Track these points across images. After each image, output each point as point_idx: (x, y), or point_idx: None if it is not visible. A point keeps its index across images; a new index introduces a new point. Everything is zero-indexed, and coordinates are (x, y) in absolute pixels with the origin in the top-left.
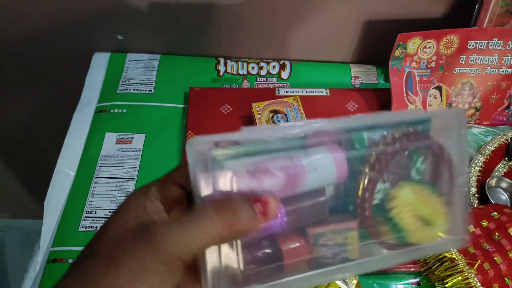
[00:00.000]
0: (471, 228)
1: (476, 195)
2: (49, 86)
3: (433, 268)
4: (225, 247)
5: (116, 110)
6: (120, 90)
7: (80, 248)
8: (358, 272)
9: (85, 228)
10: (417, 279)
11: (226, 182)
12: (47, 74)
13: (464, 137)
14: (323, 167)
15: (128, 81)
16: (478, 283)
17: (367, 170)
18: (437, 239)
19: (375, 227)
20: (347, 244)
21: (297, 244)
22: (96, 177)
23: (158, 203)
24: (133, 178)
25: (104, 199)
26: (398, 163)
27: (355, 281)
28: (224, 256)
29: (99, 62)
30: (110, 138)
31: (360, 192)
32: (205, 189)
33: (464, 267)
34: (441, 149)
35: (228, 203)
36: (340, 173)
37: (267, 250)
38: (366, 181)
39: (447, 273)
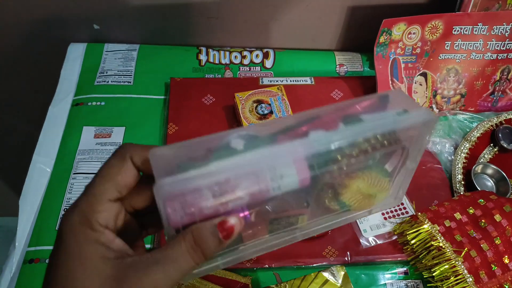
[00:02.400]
0: (458, 215)
1: (463, 182)
2: (23, 79)
3: (420, 257)
4: None
5: (94, 103)
6: (97, 82)
7: None
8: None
9: None
10: (405, 268)
11: (191, 208)
12: (20, 66)
13: (426, 141)
14: (287, 183)
15: (106, 73)
16: (465, 271)
17: (327, 178)
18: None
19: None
20: (299, 222)
21: (257, 227)
22: (74, 173)
23: (108, 233)
24: None
25: None
26: (357, 161)
27: (342, 272)
28: None
29: (75, 53)
30: (88, 132)
31: (315, 193)
32: (173, 217)
33: (451, 255)
34: (399, 142)
35: (196, 234)
36: (302, 185)
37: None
38: (323, 185)
39: (435, 262)
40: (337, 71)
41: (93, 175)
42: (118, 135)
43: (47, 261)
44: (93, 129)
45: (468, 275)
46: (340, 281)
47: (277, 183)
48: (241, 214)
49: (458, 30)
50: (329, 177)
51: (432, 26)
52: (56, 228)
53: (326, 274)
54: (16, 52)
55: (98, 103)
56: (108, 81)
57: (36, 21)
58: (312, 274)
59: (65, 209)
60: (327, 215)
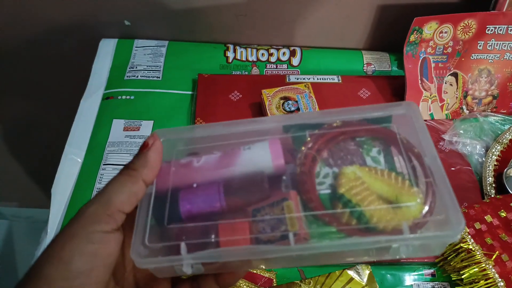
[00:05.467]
0: (489, 218)
1: (493, 185)
2: (56, 73)
3: (448, 258)
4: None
5: (123, 97)
6: (127, 76)
7: None
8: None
9: None
10: (432, 270)
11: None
12: (53, 61)
13: (421, 123)
14: (257, 145)
15: (136, 68)
16: (496, 275)
17: (303, 148)
18: (412, 220)
19: (319, 202)
20: (285, 213)
21: (235, 220)
22: (103, 164)
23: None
24: None
25: None
26: (346, 150)
27: (367, 271)
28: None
29: (106, 49)
30: (117, 125)
31: (298, 169)
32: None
33: (481, 258)
34: (391, 133)
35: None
36: (274, 151)
37: (204, 223)
38: (303, 158)
39: (464, 264)
40: (365, 70)
41: (121, 166)
42: (146, 128)
43: None
44: (122, 122)
45: (499, 279)
46: (365, 280)
47: (248, 145)
48: (216, 189)
49: (492, 30)
50: (307, 148)
51: (464, 25)
52: None
53: (351, 273)
54: (50, 47)
55: (128, 97)
56: (137, 76)
57: (70, 17)
58: (337, 271)
59: None
60: (336, 225)
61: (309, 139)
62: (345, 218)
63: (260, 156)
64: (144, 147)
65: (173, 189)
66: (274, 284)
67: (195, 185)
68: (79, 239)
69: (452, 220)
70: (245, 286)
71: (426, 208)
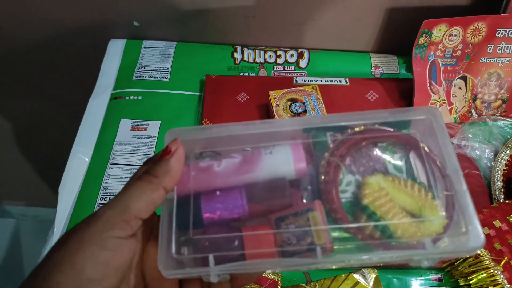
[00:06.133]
0: (497, 223)
1: (502, 190)
2: (65, 73)
3: (456, 263)
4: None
5: (131, 97)
6: (135, 77)
7: None
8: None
9: None
10: (439, 275)
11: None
12: (63, 61)
13: (443, 130)
14: (279, 149)
15: (144, 68)
16: (505, 281)
17: (326, 155)
18: (434, 235)
19: (343, 213)
20: (311, 225)
21: (259, 231)
22: (110, 164)
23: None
24: None
25: (119, 185)
26: (368, 157)
27: (373, 275)
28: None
29: (115, 49)
30: (125, 125)
31: (322, 177)
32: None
33: (490, 263)
34: (414, 141)
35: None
36: (297, 155)
37: (230, 234)
38: (326, 165)
39: (472, 269)
40: (372, 73)
41: (128, 166)
42: (153, 129)
43: None
44: (130, 122)
45: (508, 286)
46: (371, 284)
47: (269, 149)
48: (238, 195)
49: (502, 33)
50: (330, 154)
51: (474, 28)
52: None
53: (357, 276)
54: (59, 48)
55: (136, 97)
56: (145, 77)
57: (79, 18)
58: (343, 275)
59: (101, 198)
60: (360, 240)
61: (331, 145)
62: (369, 230)
63: (282, 160)
64: (167, 153)
65: (194, 195)
66: (280, 287)
67: (218, 193)
68: (93, 246)
69: (471, 236)
70: None
71: (448, 222)
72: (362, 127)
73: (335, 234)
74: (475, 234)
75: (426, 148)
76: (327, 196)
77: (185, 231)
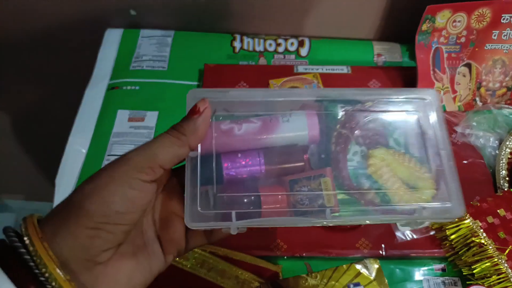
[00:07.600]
0: (502, 212)
1: (507, 178)
2: (61, 63)
3: (459, 253)
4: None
5: (128, 87)
6: (133, 66)
7: None
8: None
9: None
10: (442, 265)
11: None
12: (59, 51)
13: (441, 113)
14: (295, 117)
15: (141, 58)
16: (509, 270)
17: (338, 127)
18: (423, 203)
19: (350, 180)
20: (322, 189)
21: (276, 191)
22: (108, 155)
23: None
24: None
25: None
26: (374, 130)
27: (376, 266)
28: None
29: (112, 38)
30: (122, 115)
31: (332, 146)
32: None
33: (494, 252)
34: (414, 119)
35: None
36: (311, 125)
37: (249, 193)
38: (337, 136)
39: (475, 259)
40: (375, 61)
41: None
42: (151, 119)
43: None
44: (127, 112)
45: None
46: (373, 274)
47: (287, 117)
48: (257, 157)
49: (507, 19)
50: (341, 126)
51: (479, 14)
52: None
53: (359, 267)
54: (55, 37)
55: (133, 87)
56: (143, 66)
57: (75, 7)
58: (345, 265)
59: None
60: (360, 201)
61: (343, 118)
62: (371, 196)
63: (298, 128)
64: (196, 113)
65: (216, 154)
66: (280, 278)
67: (239, 155)
68: (122, 183)
69: (454, 205)
70: (251, 280)
71: (436, 193)
72: (370, 103)
73: (340, 197)
74: (457, 204)
75: (424, 126)
76: (337, 164)
77: (207, 188)
